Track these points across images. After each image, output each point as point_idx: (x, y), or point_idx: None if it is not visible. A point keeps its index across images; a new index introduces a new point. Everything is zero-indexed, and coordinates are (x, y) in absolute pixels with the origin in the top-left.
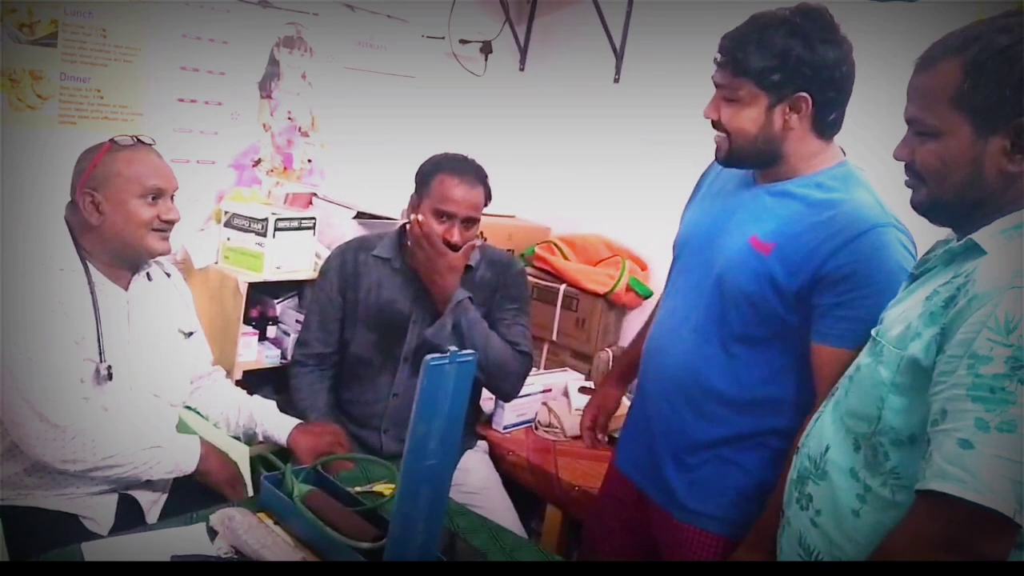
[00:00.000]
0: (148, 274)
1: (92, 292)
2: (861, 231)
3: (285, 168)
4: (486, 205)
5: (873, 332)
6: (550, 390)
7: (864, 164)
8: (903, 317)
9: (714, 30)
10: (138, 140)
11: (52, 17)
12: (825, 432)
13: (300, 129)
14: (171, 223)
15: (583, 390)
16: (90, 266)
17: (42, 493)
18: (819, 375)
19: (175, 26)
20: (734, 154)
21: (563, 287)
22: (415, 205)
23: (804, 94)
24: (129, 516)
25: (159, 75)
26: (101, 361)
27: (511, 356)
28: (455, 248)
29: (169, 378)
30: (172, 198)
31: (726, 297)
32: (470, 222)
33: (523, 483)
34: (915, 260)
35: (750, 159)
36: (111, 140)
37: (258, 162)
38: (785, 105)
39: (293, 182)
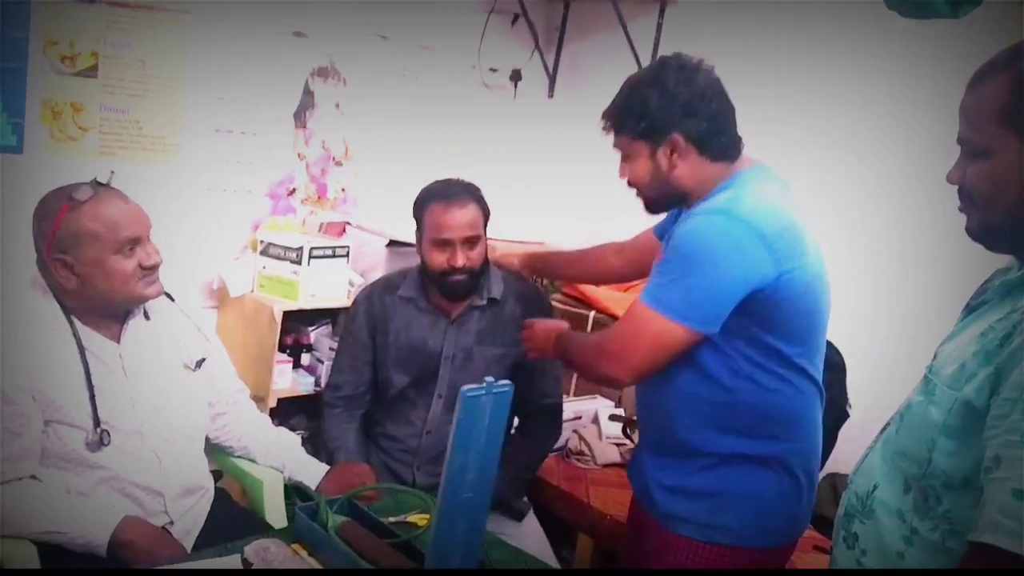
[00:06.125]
0: (145, 313)
1: (82, 355)
2: (688, 216)
3: (319, 197)
4: (486, 220)
5: (926, 369)
6: (580, 417)
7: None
8: (957, 355)
9: (743, 56)
10: (97, 184)
11: (93, 49)
12: (874, 470)
13: (334, 158)
14: (155, 267)
15: (613, 417)
16: (76, 324)
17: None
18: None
19: (212, 57)
20: (648, 203)
21: (593, 313)
22: (419, 242)
23: (674, 135)
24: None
25: (196, 105)
26: (95, 427)
27: (545, 438)
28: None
29: (180, 418)
30: (148, 238)
31: None
32: (471, 242)
33: (555, 512)
34: (744, 251)
35: (663, 203)
36: (68, 197)
37: (293, 191)
38: (665, 148)
39: (327, 211)
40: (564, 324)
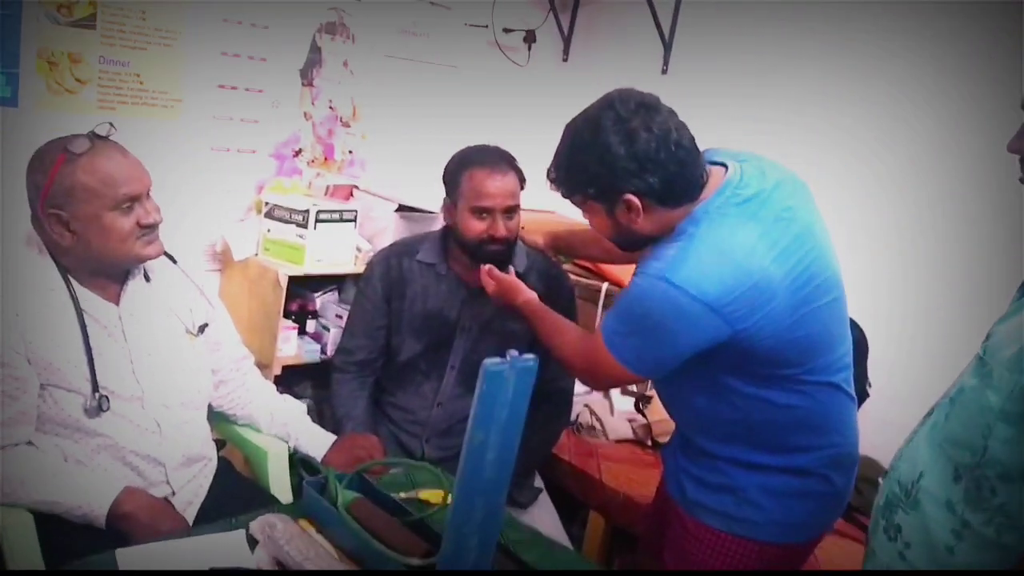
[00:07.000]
0: (145, 274)
1: (79, 316)
2: (635, 274)
3: (326, 159)
4: (522, 189)
5: (980, 350)
6: (591, 391)
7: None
8: (1016, 336)
9: (768, 16)
10: (95, 136)
11: None
12: (920, 457)
13: (341, 119)
14: (154, 226)
15: (626, 392)
16: (73, 284)
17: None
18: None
19: (216, 10)
20: (619, 247)
21: (605, 285)
22: (450, 208)
23: (627, 196)
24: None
25: (199, 60)
26: (94, 392)
27: (554, 425)
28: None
29: (182, 385)
30: (148, 195)
31: None
32: (511, 211)
33: (565, 487)
34: (688, 320)
35: (631, 247)
36: (64, 149)
37: (299, 152)
38: (621, 208)
39: (334, 173)
40: (531, 295)
